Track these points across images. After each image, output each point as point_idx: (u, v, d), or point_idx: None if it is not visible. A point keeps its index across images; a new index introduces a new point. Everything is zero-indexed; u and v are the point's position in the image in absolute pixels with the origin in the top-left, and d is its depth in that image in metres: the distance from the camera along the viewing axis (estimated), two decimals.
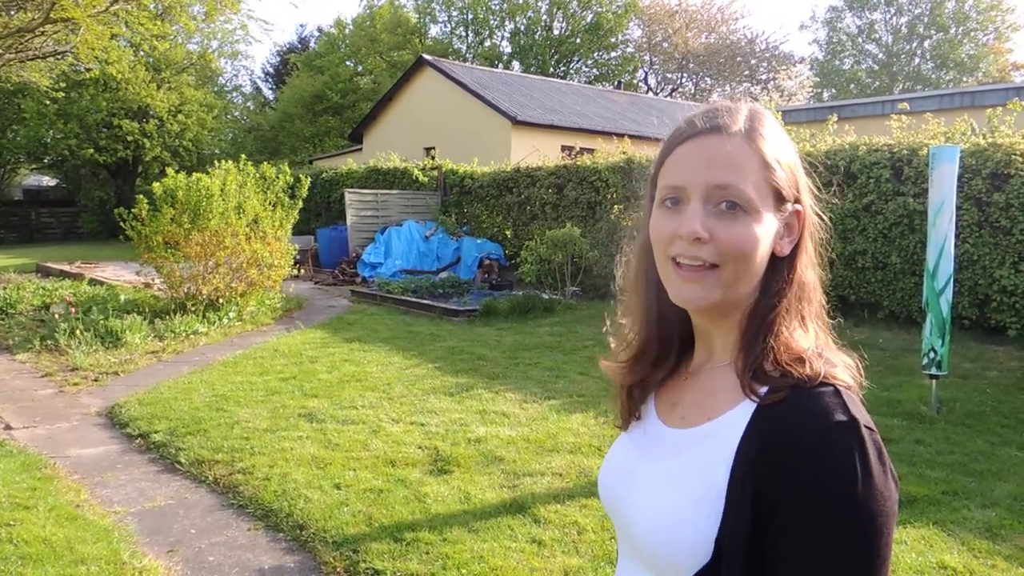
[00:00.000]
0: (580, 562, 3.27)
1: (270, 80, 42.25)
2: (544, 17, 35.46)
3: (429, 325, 9.25)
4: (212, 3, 15.11)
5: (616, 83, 34.61)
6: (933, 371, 5.24)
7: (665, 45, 37.56)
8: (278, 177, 9.98)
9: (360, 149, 22.37)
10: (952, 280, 5.29)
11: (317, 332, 8.80)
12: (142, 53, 22.74)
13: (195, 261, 9.02)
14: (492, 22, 36.13)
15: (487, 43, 36.36)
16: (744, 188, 0.88)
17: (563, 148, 17.22)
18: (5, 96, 24.64)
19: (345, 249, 14.95)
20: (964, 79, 37.28)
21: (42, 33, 12.39)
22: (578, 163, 12.38)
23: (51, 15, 11.25)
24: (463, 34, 36.89)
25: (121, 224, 9.09)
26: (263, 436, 4.94)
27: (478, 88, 18.78)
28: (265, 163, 10.29)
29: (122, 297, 10.02)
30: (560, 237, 10.79)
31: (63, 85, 17.93)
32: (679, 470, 0.90)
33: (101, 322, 8.09)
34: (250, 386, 6.26)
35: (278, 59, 41.48)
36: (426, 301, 10.66)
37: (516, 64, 35.53)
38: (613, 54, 36.70)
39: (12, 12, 11.95)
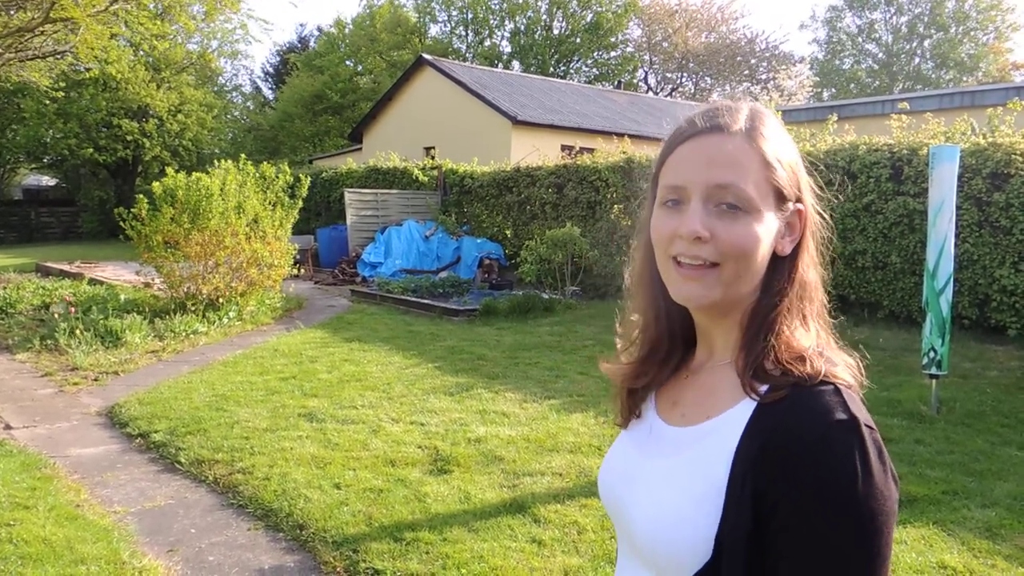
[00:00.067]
0: (580, 562, 3.27)
1: (270, 80, 42.29)
2: (544, 17, 35.46)
3: (429, 325, 9.25)
4: (212, 3, 15.11)
5: (616, 83, 34.61)
6: (933, 371, 5.24)
7: (665, 45, 37.57)
8: (278, 177, 9.98)
9: (360, 149, 22.37)
10: (952, 280, 5.29)
11: (317, 332, 8.80)
12: (142, 53, 22.74)
13: (195, 261, 9.02)
14: (492, 22, 36.14)
15: (487, 43, 36.37)
16: (745, 188, 0.88)
17: (563, 148, 17.22)
18: (5, 96, 24.64)
19: (345, 249, 14.95)
20: (964, 79, 37.29)
21: (42, 33, 12.39)
22: (578, 163, 12.38)
23: (51, 15, 11.25)
24: (463, 34, 36.90)
25: (121, 224, 9.09)
26: (263, 436, 4.94)
27: (478, 88, 18.78)
28: (265, 163, 10.29)
29: (122, 297, 10.02)
30: (560, 237, 10.79)
31: (63, 85, 17.94)
32: (679, 468, 0.90)
33: (101, 322, 8.09)
34: (250, 386, 6.26)
35: (278, 59, 41.51)
36: (426, 301, 10.66)
37: (516, 64, 35.54)
38: (613, 54, 36.71)
39: (12, 12, 11.95)
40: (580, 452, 4.62)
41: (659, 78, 39.96)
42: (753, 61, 37.57)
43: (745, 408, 0.87)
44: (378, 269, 13.45)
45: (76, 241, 26.44)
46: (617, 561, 1.04)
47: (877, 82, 39.58)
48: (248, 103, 40.48)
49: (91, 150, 25.64)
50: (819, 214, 0.96)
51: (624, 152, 12.01)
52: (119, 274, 13.94)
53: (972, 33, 37.79)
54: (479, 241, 13.81)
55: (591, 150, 13.61)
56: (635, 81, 37.92)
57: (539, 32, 35.40)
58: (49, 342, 7.78)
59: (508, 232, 13.68)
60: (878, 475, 0.79)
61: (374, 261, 13.71)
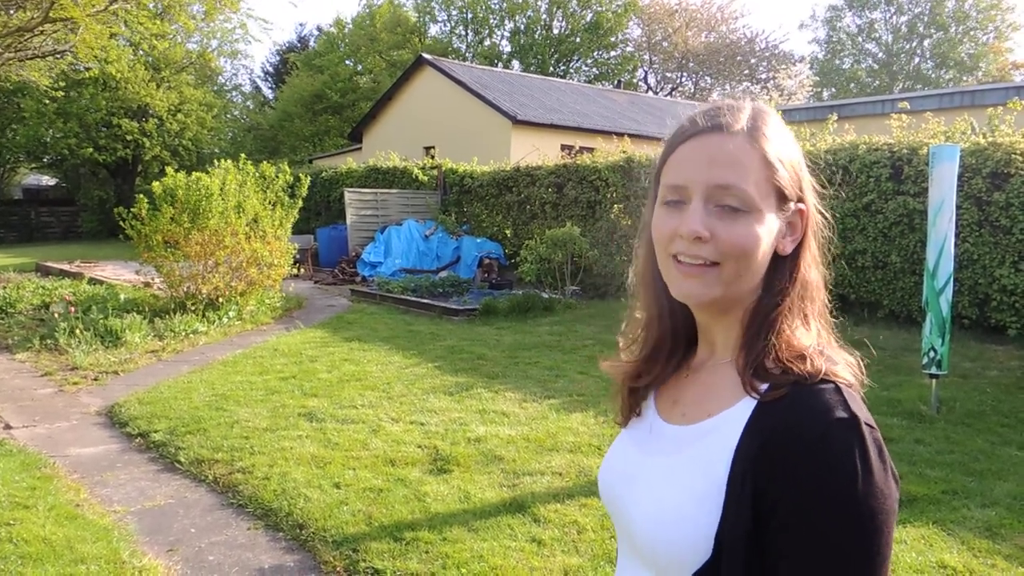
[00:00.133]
0: (580, 561, 3.27)
1: (269, 79, 42.30)
2: (544, 16, 35.46)
3: (429, 324, 9.25)
4: (211, 2, 15.11)
5: (616, 82, 34.62)
6: (933, 370, 5.24)
7: (665, 44, 37.57)
8: (278, 176, 9.97)
9: (360, 148, 22.38)
10: (952, 279, 5.29)
11: (317, 331, 8.80)
12: (141, 52, 22.74)
13: (195, 260, 9.02)
14: (492, 21, 36.14)
15: (487, 42, 36.36)
16: (745, 188, 0.88)
17: (563, 147, 17.22)
18: (4, 95, 24.64)
19: (345, 248, 14.95)
20: (964, 78, 37.29)
21: (41, 32, 12.39)
22: (578, 162, 12.37)
23: (50, 14, 11.24)
24: (463, 33, 36.90)
25: (121, 223, 9.09)
26: (263, 435, 4.94)
27: (478, 87, 18.78)
28: (265, 162, 10.29)
29: (122, 296, 10.02)
30: (560, 236, 10.79)
31: (62, 84, 17.95)
32: (680, 467, 0.90)
33: (101, 321, 8.09)
34: (250, 385, 6.26)
35: (277, 58, 41.51)
36: (426, 300, 10.66)
37: (516, 63, 35.54)
38: (613, 53, 36.71)
39: (11, 11, 11.94)
40: (580, 452, 4.62)
41: (659, 78, 39.99)
42: (753, 61, 37.57)
43: (745, 406, 0.87)
44: (378, 269, 13.45)
45: (76, 241, 26.44)
46: (617, 561, 1.04)
47: (877, 82, 39.59)
48: (248, 103, 40.51)
49: (91, 150, 25.64)
50: (821, 214, 0.96)
51: (624, 152, 12.00)
52: (119, 274, 13.94)
53: (972, 33, 37.80)
54: (479, 241, 13.81)
55: (591, 150, 13.61)
56: (635, 81, 37.94)
57: (539, 32, 35.40)
58: (49, 342, 7.77)
59: (508, 232, 13.68)
60: (878, 474, 0.79)
61: (374, 261, 13.71)
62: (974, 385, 6.01)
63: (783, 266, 0.92)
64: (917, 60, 39.40)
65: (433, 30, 37.05)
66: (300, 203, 10.27)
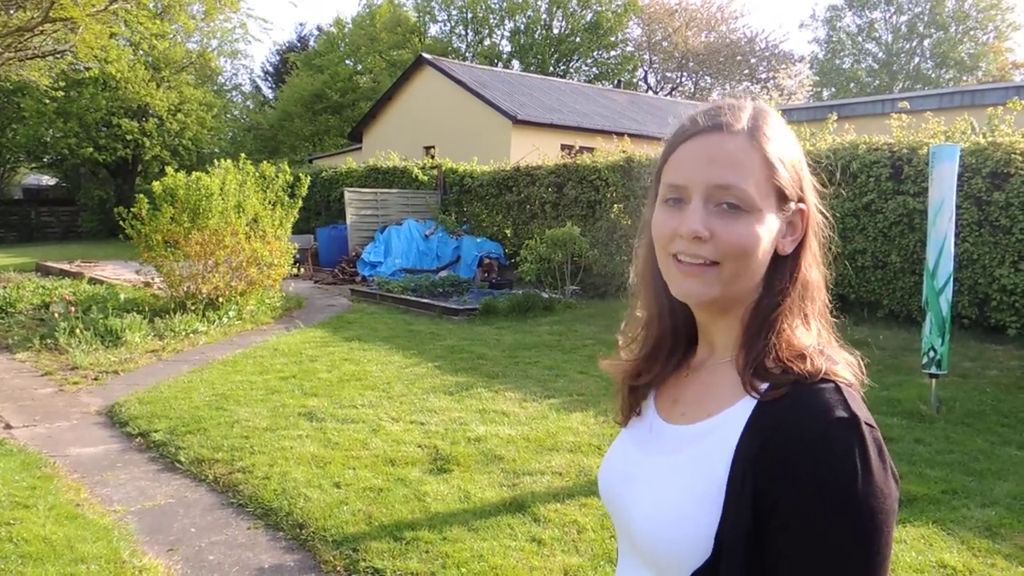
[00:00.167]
0: (580, 561, 3.27)
1: (269, 79, 42.30)
2: (544, 16, 35.45)
3: (429, 324, 9.25)
4: (211, 2, 15.11)
5: (616, 82, 34.62)
6: (933, 370, 5.24)
7: (665, 44, 37.56)
8: (278, 176, 9.97)
9: (360, 148, 22.37)
10: (952, 279, 5.29)
11: (317, 331, 8.80)
12: (141, 52, 22.74)
13: (195, 260, 9.02)
14: (492, 21, 36.14)
15: (486, 42, 36.36)
16: (745, 188, 0.88)
17: (563, 147, 17.22)
18: (4, 95, 24.64)
19: (345, 248, 14.95)
20: (964, 78, 37.29)
21: (41, 32, 12.38)
22: (578, 162, 12.37)
23: (50, 14, 11.24)
24: (463, 33, 36.90)
25: (121, 223, 9.09)
26: (263, 435, 4.94)
27: (478, 87, 18.78)
28: (265, 162, 10.29)
29: (122, 296, 10.02)
30: (560, 236, 10.79)
31: (62, 84, 17.94)
32: (680, 466, 0.90)
33: (101, 321, 8.09)
34: (250, 385, 6.26)
35: (277, 58, 41.50)
36: (426, 300, 10.66)
37: (516, 63, 35.53)
38: (613, 53, 36.70)
39: (11, 11, 11.94)
40: (580, 451, 4.62)
41: (659, 77, 39.99)
42: (753, 60, 37.58)
43: (745, 406, 0.87)
44: (378, 268, 13.45)
45: (76, 240, 26.44)
46: (618, 560, 1.04)
47: (877, 81, 39.58)
48: (248, 102, 40.51)
49: (91, 149, 25.64)
50: (822, 213, 0.96)
51: (624, 151, 12.00)
52: (119, 273, 13.94)
53: (972, 32, 37.80)
54: (479, 240, 13.81)
55: (591, 149, 13.62)
56: (635, 80, 37.93)
57: (539, 31, 35.40)
58: (49, 341, 7.77)
59: (508, 231, 13.68)
60: (878, 473, 0.79)
61: (374, 260, 13.71)
62: (974, 385, 6.01)
63: (783, 266, 0.92)
64: (917, 60, 39.39)
65: (433, 30, 37.09)
66: (300, 203, 10.27)
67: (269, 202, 9.85)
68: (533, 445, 4.73)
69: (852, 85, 39.92)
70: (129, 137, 26.09)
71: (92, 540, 3.47)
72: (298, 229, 12.95)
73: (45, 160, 29.67)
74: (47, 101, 22.06)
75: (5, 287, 10.96)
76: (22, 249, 22.87)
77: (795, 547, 0.79)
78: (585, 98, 22.23)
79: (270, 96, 40.79)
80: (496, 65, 32.64)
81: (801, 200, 0.93)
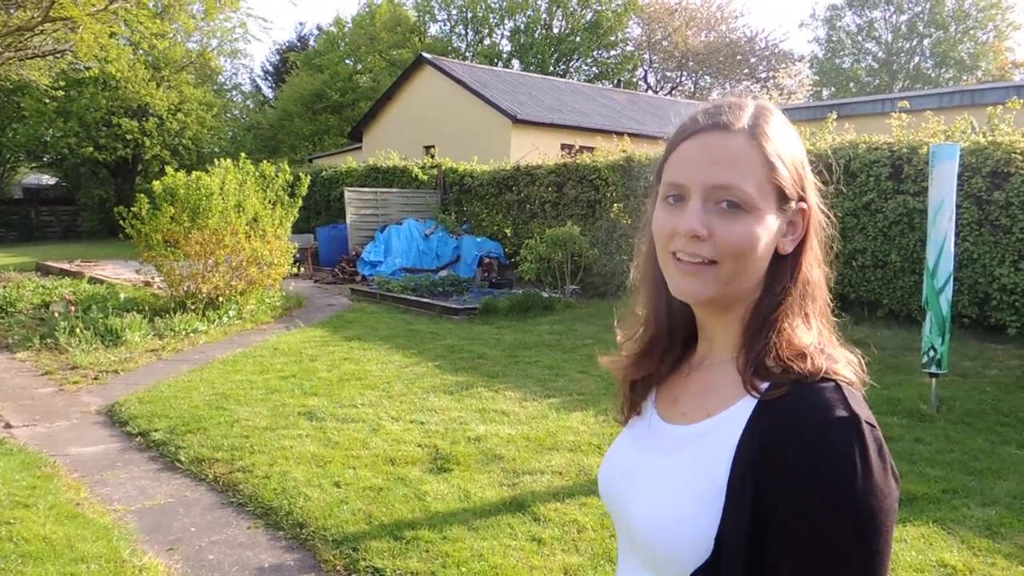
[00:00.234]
0: (580, 560, 3.27)
1: (269, 78, 42.28)
2: (544, 15, 35.44)
3: (429, 323, 9.25)
4: (211, 1, 15.11)
5: (616, 81, 34.62)
6: (933, 369, 5.24)
7: (665, 43, 37.55)
8: (278, 175, 9.97)
9: (360, 147, 22.37)
10: (952, 278, 5.29)
11: (317, 330, 8.80)
12: (141, 51, 22.73)
13: (195, 259, 9.02)
14: (492, 20, 36.12)
15: (486, 41, 36.35)
16: (745, 187, 0.88)
17: (563, 146, 17.22)
18: (5, 94, 24.62)
19: (345, 247, 14.95)
20: (964, 77, 37.29)
21: (41, 31, 12.38)
22: (578, 161, 12.37)
23: (50, 13, 11.24)
24: (462, 32, 36.89)
25: (121, 223, 9.09)
26: (263, 434, 4.94)
27: (478, 86, 18.77)
28: (264, 161, 10.29)
29: (122, 295, 10.02)
30: (560, 235, 10.79)
31: (62, 83, 17.92)
32: (680, 466, 0.90)
33: (101, 320, 8.09)
34: (250, 384, 6.26)
35: (277, 57, 41.49)
36: (426, 299, 10.66)
37: (516, 62, 35.52)
38: (613, 52, 36.69)
39: (11, 10, 11.94)
40: (580, 451, 4.62)
41: (659, 77, 39.97)
42: (753, 60, 37.57)
43: (746, 406, 0.87)
44: (378, 268, 13.45)
45: (76, 240, 26.44)
46: (618, 559, 1.04)
47: (877, 81, 39.58)
48: (248, 102, 40.49)
49: (91, 149, 25.64)
50: (823, 213, 0.96)
51: (624, 151, 12.00)
52: (119, 273, 13.94)
53: (972, 32, 37.79)
54: (479, 240, 13.81)
55: (591, 149, 13.61)
56: (635, 80, 37.93)
57: (539, 31, 35.38)
58: (49, 341, 7.77)
59: (508, 231, 13.68)
60: (878, 472, 0.79)
61: (374, 260, 13.71)
62: (974, 384, 6.01)
63: (784, 265, 0.92)
64: (917, 59, 39.38)
65: (433, 29, 37.07)
66: (300, 202, 10.26)
67: (269, 201, 9.85)
68: (533, 444, 4.73)
69: (852, 84, 39.92)
70: (129, 137, 26.09)
71: (92, 539, 3.47)
72: (298, 228, 12.95)
73: (45, 159, 29.66)
74: (47, 100, 22.05)
75: (5, 286, 10.96)
76: (22, 248, 22.88)
77: (795, 547, 0.79)
78: (585, 97, 22.23)
79: (270, 96, 40.78)
80: (496, 65, 32.64)
81: (802, 199, 0.93)
